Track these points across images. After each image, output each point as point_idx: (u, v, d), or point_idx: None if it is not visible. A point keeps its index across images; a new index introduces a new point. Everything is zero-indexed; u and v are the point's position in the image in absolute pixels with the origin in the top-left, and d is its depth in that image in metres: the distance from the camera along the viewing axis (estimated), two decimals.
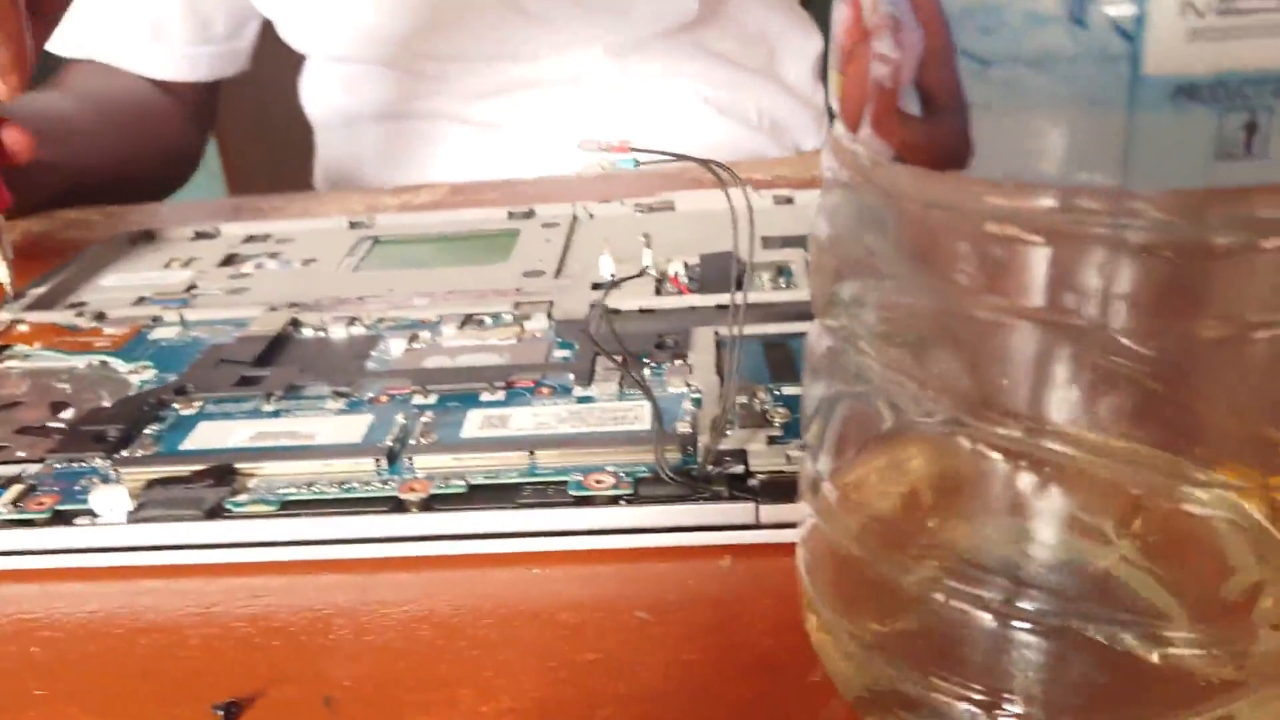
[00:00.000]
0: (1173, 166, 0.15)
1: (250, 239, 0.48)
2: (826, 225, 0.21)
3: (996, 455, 0.19)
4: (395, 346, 0.36)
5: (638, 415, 0.31)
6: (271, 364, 0.36)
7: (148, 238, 0.49)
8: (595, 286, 0.40)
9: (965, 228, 0.17)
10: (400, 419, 0.31)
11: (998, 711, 0.19)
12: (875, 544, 0.21)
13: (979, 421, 0.19)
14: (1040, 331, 0.17)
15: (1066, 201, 0.16)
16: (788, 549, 0.24)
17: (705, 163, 0.26)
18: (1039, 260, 0.17)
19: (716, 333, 0.35)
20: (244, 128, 0.84)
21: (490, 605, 0.26)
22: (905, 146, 0.17)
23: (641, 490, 0.28)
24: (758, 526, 0.28)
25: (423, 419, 0.31)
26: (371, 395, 0.33)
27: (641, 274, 0.26)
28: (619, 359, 0.29)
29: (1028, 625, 0.19)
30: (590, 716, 0.23)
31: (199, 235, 0.48)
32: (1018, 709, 0.19)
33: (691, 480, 0.28)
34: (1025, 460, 0.19)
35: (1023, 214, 0.17)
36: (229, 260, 0.46)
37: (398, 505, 0.28)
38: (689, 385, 0.32)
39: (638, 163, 0.26)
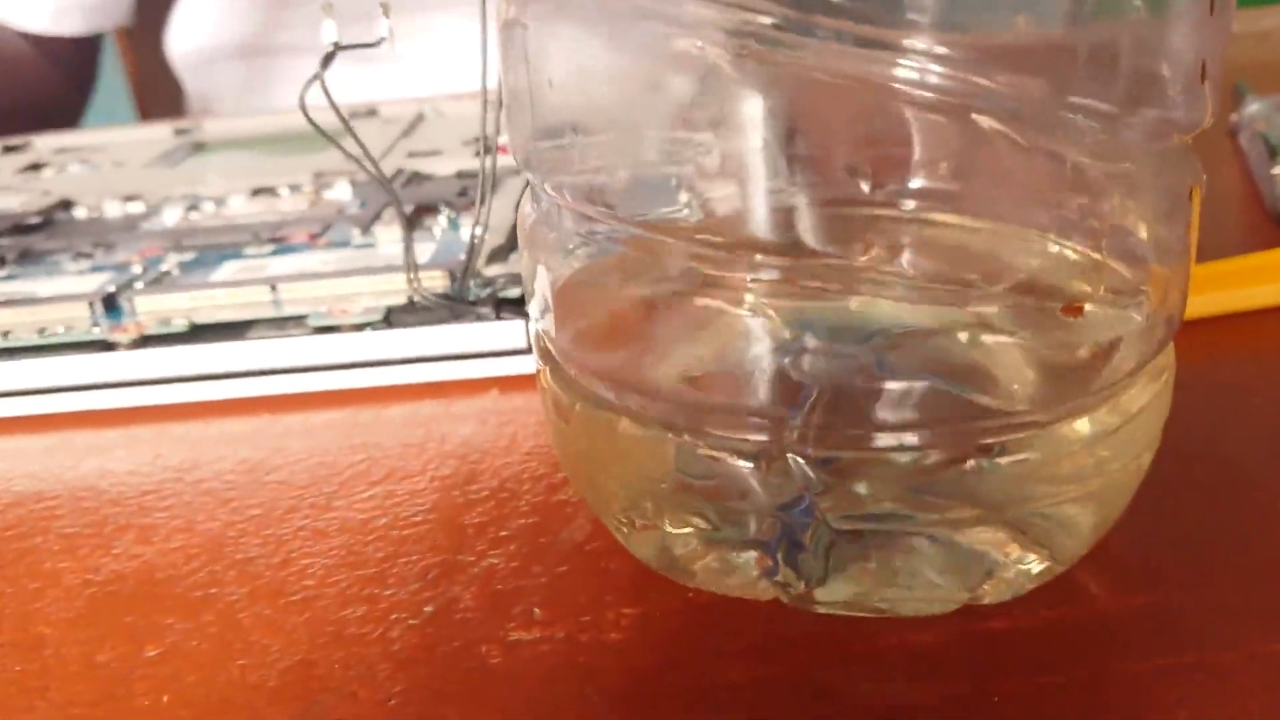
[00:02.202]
0: None
1: (62, 150, 0.44)
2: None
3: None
4: (170, 216, 0.32)
5: (418, 255, 0.26)
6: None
7: None
8: (411, 155, 0.36)
9: None
10: (138, 269, 0.27)
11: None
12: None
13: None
14: None
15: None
16: None
17: None
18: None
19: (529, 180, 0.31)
20: (157, 67, 0.80)
21: (213, 459, 0.22)
22: None
23: (394, 317, 0.24)
24: (529, 351, 0.23)
25: (163, 268, 0.27)
26: (122, 258, 0.29)
27: (378, 43, 0.22)
28: (394, 199, 0.25)
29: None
30: (330, 585, 0.19)
31: (8, 149, 0.44)
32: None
33: (452, 302, 0.24)
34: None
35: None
36: (34, 168, 0.41)
37: (106, 347, 0.24)
38: (484, 225, 0.28)
39: None
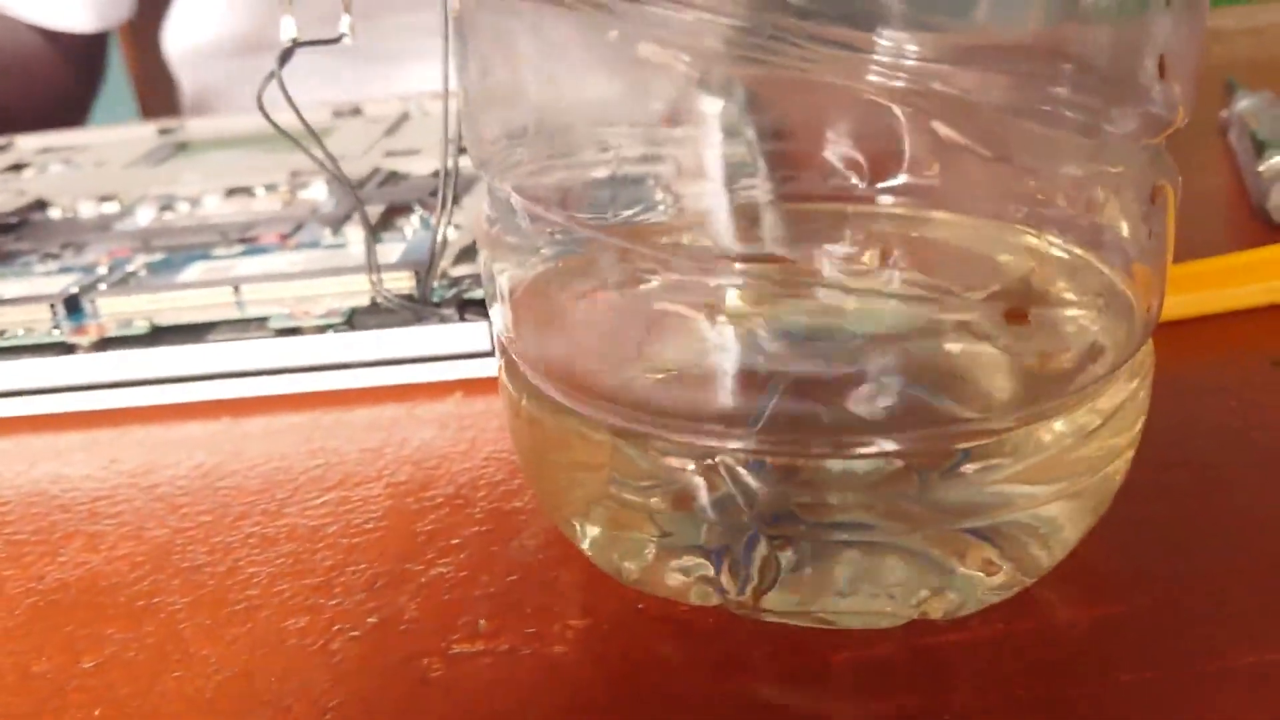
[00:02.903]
0: None
1: (45, 150, 0.43)
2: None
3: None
4: (143, 216, 0.31)
5: (385, 256, 0.26)
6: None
7: None
8: (389, 154, 0.36)
9: None
10: (103, 271, 0.27)
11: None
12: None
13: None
14: None
15: None
16: None
17: None
18: None
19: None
20: (159, 64, 0.80)
21: (169, 464, 0.21)
22: None
23: (357, 319, 0.23)
24: (493, 354, 0.23)
25: (129, 269, 0.27)
26: (90, 259, 0.28)
27: (339, 39, 0.22)
28: (355, 199, 0.25)
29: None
30: (274, 594, 0.19)
31: None
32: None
33: (415, 304, 0.23)
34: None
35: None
36: (15, 168, 0.41)
37: (65, 350, 0.23)
38: (455, 226, 0.28)
39: None
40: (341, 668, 0.16)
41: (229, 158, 0.40)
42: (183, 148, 0.42)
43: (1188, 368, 0.21)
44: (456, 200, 0.29)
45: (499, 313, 0.17)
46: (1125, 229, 0.15)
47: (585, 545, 0.17)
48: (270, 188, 0.33)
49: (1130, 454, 0.16)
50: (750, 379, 0.15)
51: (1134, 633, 0.15)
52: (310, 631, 0.16)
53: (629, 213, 0.16)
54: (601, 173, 0.16)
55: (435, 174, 0.33)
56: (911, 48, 0.13)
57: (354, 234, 0.28)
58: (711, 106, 0.14)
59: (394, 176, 0.33)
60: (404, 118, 0.42)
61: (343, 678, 0.15)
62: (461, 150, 0.23)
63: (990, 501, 0.15)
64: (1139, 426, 0.16)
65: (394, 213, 0.29)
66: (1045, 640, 0.15)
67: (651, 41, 0.14)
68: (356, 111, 0.44)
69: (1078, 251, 0.15)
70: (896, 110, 0.14)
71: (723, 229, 0.15)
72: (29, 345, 0.24)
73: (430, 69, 0.22)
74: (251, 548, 0.18)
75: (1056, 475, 0.15)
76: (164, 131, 0.44)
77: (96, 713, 0.15)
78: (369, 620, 0.16)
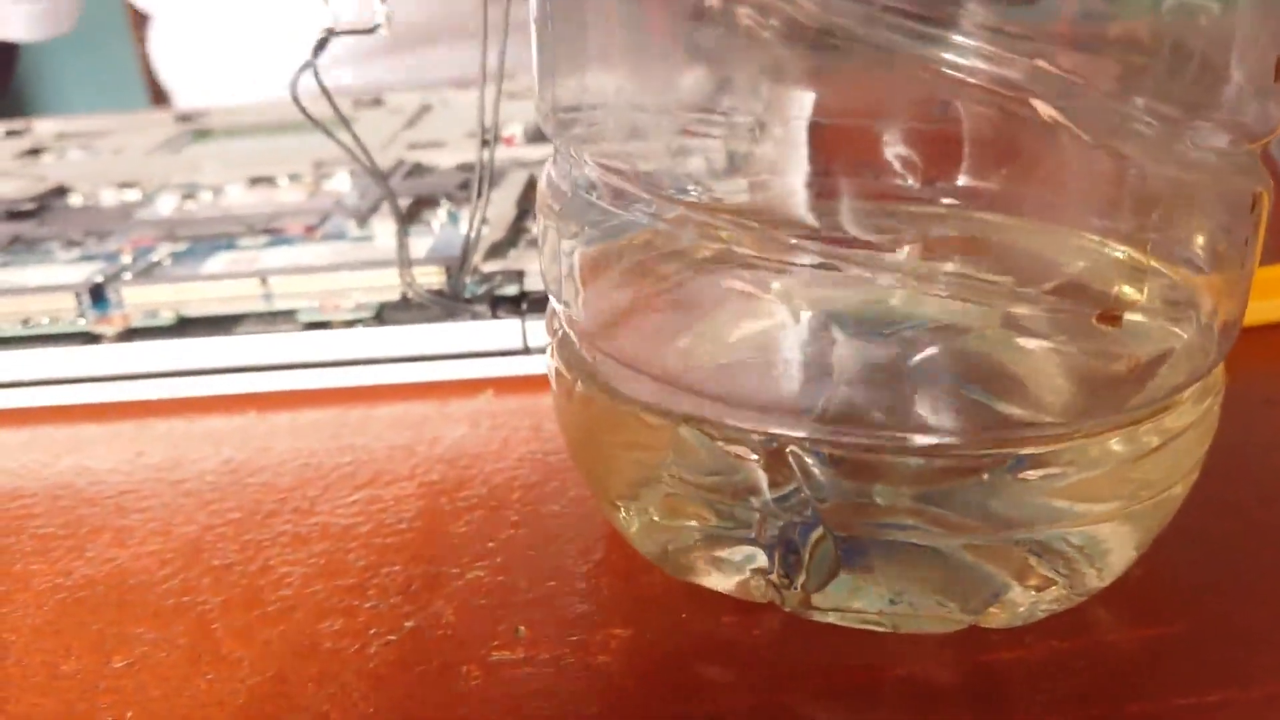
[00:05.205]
0: None
1: (63, 135, 0.43)
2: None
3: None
4: (165, 205, 0.31)
5: (413, 250, 0.26)
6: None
7: None
8: (412, 146, 0.35)
9: None
10: (128, 260, 0.26)
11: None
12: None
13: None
14: None
15: None
16: None
17: None
18: None
19: (532, 175, 0.31)
20: None
21: (196, 458, 0.21)
22: None
23: (386, 314, 0.23)
24: (526, 352, 0.23)
25: (153, 259, 0.26)
26: (114, 247, 0.28)
27: (374, 29, 0.21)
28: (387, 191, 0.24)
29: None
30: (308, 595, 0.18)
31: (9, 134, 0.43)
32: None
33: (446, 300, 0.23)
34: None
35: None
36: (33, 153, 0.41)
37: (90, 340, 0.23)
38: (484, 221, 0.27)
39: None
40: (377, 673, 0.15)
41: (249, 146, 0.40)
42: (202, 135, 0.42)
43: (1250, 377, 0.21)
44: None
45: (564, 287, 0.17)
46: (1202, 238, 0.14)
47: (632, 531, 0.16)
48: (294, 178, 0.32)
49: (1194, 477, 0.15)
50: (814, 367, 0.15)
51: (1190, 654, 0.15)
52: (346, 635, 0.16)
53: (705, 187, 0.15)
54: (683, 146, 0.15)
55: (461, 167, 0.33)
56: (998, 30, 0.13)
57: (380, 227, 0.27)
58: (793, 88, 0.14)
59: (419, 169, 0.33)
60: (425, 109, 0.42)
61: (379, 684, 0.15)
62: (488, 143, 0.23)
63: (1045, 513, 0.14)
64: (1202, 451, 0.16)
65: (420, 205, 0.29)
66: (1099, 660, 0.15)
67: (743, 13, 0.13)
68: (377, 102, 0.43)
69: (1146, 261, 0.15)
70: (975, 103, 0.13)
71: (800, 210, 0.14)
72: (54, 334, 0.23)
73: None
74: (283, 546, 0.18)
75: (1115, 494, 0.14)
76: (182, 119, 0.44)
77: (128, 715, 0.15)
78: (406, 624, 0.16)
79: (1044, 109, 0.13)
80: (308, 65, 0.21)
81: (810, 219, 0.14)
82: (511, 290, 0.23)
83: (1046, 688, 0.14)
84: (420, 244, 0.26)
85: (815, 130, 0.14)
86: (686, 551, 0.16)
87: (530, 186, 0.30)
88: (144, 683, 0.15)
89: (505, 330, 0.22)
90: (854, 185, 0.14)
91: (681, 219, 0.15)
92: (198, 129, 0.42)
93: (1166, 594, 0.16)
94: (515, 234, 0.26)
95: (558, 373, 0.17)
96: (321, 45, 0.21)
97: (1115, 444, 0.14)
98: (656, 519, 0.16)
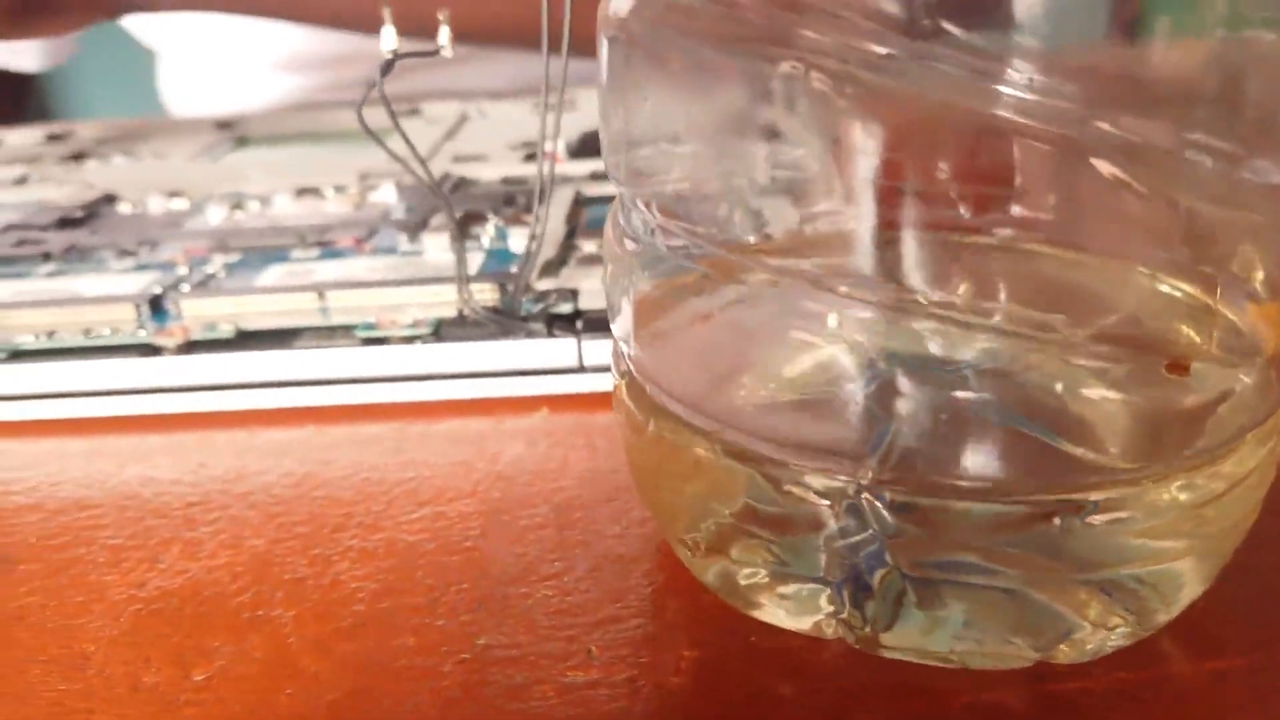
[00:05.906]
0: None
1: (104, 140, 0.43)
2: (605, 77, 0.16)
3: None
4: (214, 215, 0.31)
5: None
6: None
7: None
8: (456, 159, 0.36)
9: None
10: (183, 270, 0.27)
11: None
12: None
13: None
14: None
15: None
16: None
17: None
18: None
19: (578, 192, 0.31)
20: None
21: (258, 470, 0.21)
22: None
23: (444, 331, 0.23)
24: (581, 370, 0.23)
25: (208, 270, 0.27)
26: (167, 257, 0.28)
27: (437, 52, 0.22)
28: (446, 208, 0.24)
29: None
30: (379, 611, 0.19)
31: (51, 138, 0.44)
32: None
33: (503, 317, 0.23)
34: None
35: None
36: (76, 157, 0.41)
37: (151, 351, 0.23)
38: (533, 236, 0.28)
39: None
40: (450, 693, 0.16)
41: (289, 154, 0.40)
42: (242, 142, 0.42)
43: None
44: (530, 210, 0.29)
45: (620, 325, 0.17)
46: (1263, 275, 0.15)
47: (703, 571, 0.17)
48: (339, 189, 0.33)
49: (1252, 518, 0.16)
50: (869, 409, 0.15)
51: (1256, 688, 0.15)
52: (419, 652, 0.16)
53: (756, 231, 0.16)
54: (732, 190, 0.15)
55: (505, 180, 0.33)
56: (1051, 82, 0.13)
57: (431, 241, 0.28)
58: (845, 131, 0.14)
59: (464, 183, 0.33)
60: (463, 119, 0.42)
61: (453, 703, 0.15)
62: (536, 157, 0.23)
63: (1116, 554, 0.15)
64: (1263, 493, 0.16)
65: (468, 220, 0.29)
66: (1166, 691, 0.15)
67: (792, 61, 0.14)
68: (414, 112, 0.44)
69: (1209, 303, 0.15)
70: (1030, 147, 0.13)
71: (850, 254, 0.14)
72: (116, 345, 0.24)
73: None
74: (352, 561, 0.18)
75: (1185, 533, 0.15)
76: (222, 125, 0.44)
77: None
78: (478, 642, 0.16)
79: (1105, 168, 0.13)
80: (373, 87, 0.21)
81: (861, 264, 0.14)
82: (566, 308, 0.24)
83: (1114, 718, 0.15)
84: (471, 260, 0.26)
85: (865, 175, 0.14)
86: (752, 588, 0.16)
87: (577, 203, 0.30)
88: (224, 696, 0.16)
89: (561, 349, 0.23)
90: (908, 227, 0.14)
91: (739, 264, 0.15)
92: (237, 136, 0.43)
93: (1230, 627, 0.16)
94: (566, 251, 0.26)
95: (627, 411, 0.17)
96: (389, 67, 0.22)
97: (1178, 488, 0.15)
98: (726, 558, 0.16)
